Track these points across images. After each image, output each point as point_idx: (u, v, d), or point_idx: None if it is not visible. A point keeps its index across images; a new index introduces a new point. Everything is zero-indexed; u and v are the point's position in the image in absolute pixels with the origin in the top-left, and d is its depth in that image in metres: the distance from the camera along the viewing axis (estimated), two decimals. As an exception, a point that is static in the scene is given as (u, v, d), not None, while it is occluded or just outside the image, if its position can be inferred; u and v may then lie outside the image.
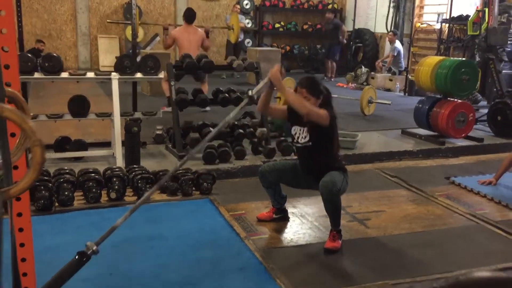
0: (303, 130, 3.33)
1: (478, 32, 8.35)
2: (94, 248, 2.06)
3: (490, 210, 4.07)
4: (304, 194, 3.88)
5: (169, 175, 3.70)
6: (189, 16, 7.42)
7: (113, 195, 3.90)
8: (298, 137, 3.39)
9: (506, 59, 7.15)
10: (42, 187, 3.67)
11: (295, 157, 3.71)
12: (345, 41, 12.15)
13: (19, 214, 1.83)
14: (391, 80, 10.76)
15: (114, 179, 3.98)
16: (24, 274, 1.88)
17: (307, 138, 3.30)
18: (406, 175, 4.92)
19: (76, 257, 2.01)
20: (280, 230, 3.59)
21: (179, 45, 7.27)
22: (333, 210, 3.25)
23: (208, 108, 6.92)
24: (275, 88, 3.20)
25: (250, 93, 3.02)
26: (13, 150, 1.34)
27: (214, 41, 13.26)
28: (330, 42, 11.88)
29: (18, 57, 2.26)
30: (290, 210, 3.82)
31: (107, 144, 5.11)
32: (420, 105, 6.25)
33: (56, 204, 3.76)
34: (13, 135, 1.57)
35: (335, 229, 3.29)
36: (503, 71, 7.11)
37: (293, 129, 3.42)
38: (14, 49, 1.74)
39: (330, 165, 3.31)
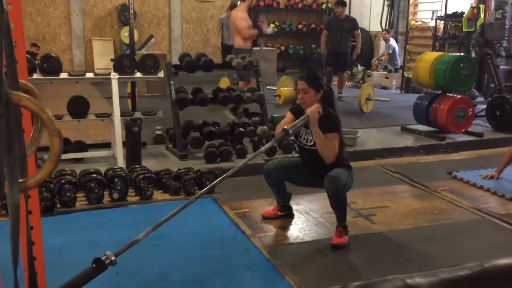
0: (308, 132, 3.29)
1: (473, 29, 8.36)
2: (113, 258, 2.02)
3: (494, 203, 4.07)
4: (307, 191, 3.85)
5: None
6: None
7: (115, 195, 3.87)
8: (302, 138, 3.36)
9: (503, 54, 7.17)
10: (43, 189, 3.62)
11: (297, 155, 3.69)
12: (359, 51, 8.93)
13: (30, 212, 1.80)
14: (387, 78, 10.78)
15: (116, 180, 3.94)
16: (35, 273, 1.85)
17: (312, 142, 3.26)
18: (408, 171, 4.91)
19: (93, 265, 1.96)
20: (285, 227, 3.57)
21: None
22: (339, 205, 3.23)
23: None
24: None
25: (286, 127, 2.95)
26: (27, 143, 1.32)
27: (209, 42, 13.24)
28: (343, 47, 8.52)
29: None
30: (294, 207, 3.80)
31: (106, 145, 5.07)
32: (419, 101, 6.25)
33: (58, 205, 3.72)
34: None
35: (341, 225, 3.27)
36: (500, 67, 7.13)
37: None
38: (22, 43, 1.71)
39: (334, 164, 3.28)
